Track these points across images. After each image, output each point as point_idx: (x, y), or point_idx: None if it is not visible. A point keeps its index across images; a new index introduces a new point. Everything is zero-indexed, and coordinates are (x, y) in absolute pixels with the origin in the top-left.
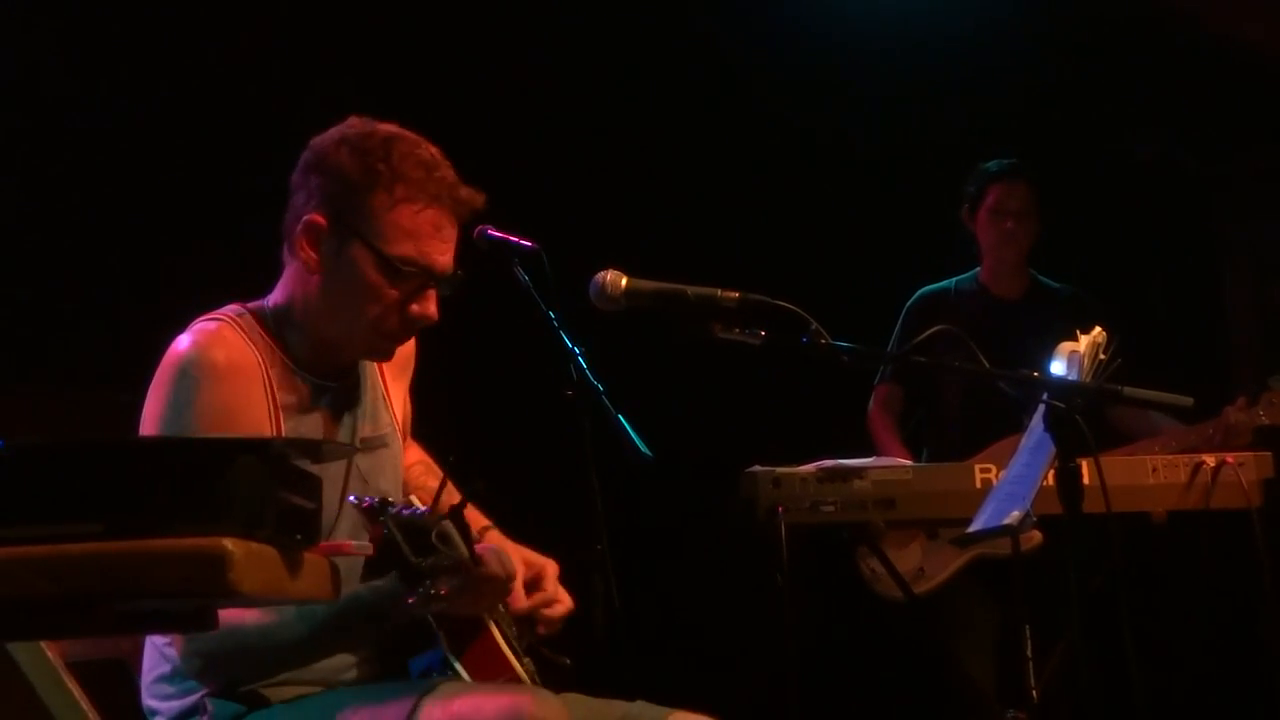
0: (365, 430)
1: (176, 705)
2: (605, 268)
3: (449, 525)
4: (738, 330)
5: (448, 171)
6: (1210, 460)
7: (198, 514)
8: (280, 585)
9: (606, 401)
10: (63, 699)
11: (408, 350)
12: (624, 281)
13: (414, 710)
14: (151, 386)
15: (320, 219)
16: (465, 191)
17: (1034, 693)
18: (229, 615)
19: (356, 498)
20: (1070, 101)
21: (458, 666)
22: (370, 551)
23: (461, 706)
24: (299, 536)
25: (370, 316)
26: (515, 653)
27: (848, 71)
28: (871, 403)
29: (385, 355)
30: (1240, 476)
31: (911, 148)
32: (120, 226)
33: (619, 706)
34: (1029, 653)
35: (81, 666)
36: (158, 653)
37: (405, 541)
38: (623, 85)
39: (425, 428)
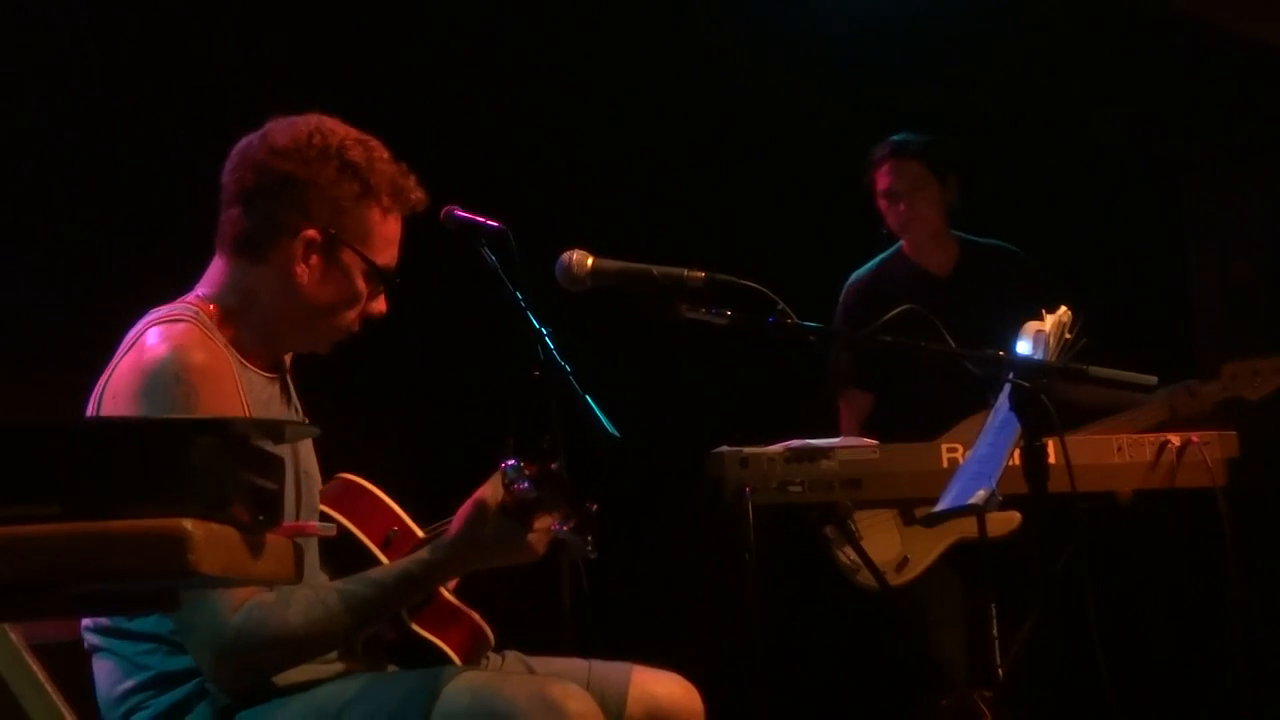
0: (294, 419)
1: (166, 700)
2: (571, 248)
3: None
4: (704, 310)
5: (412, 177)
6: (1176, 439)
7: (157, 495)
8: (242, 567)
9: (574, 382)
10: (26, 680)
11: None
12: (590, 261)
13: (435, 699)
14: (125, 389)
15: (315, 232)
16: (421, 195)
17: (1000, 672)
18: (272, 615)
19: (517, 461)
20: (1036, 83)
21: (421, 631)
22: (333, 533)
23: (488, 696)
24: (261, 518)
25: (347, 321)
26: (465, 604)
27: (813, 52)
28: (842, 412)
29: (327, 351)
30: (1206, 455)
31: (877, 130)
32: (67, 212)
33: (575, 664)
34: (995, 632)
35: (45, 649)
36: (125, 664)
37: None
38: (587, 65)
39: (393, 408)
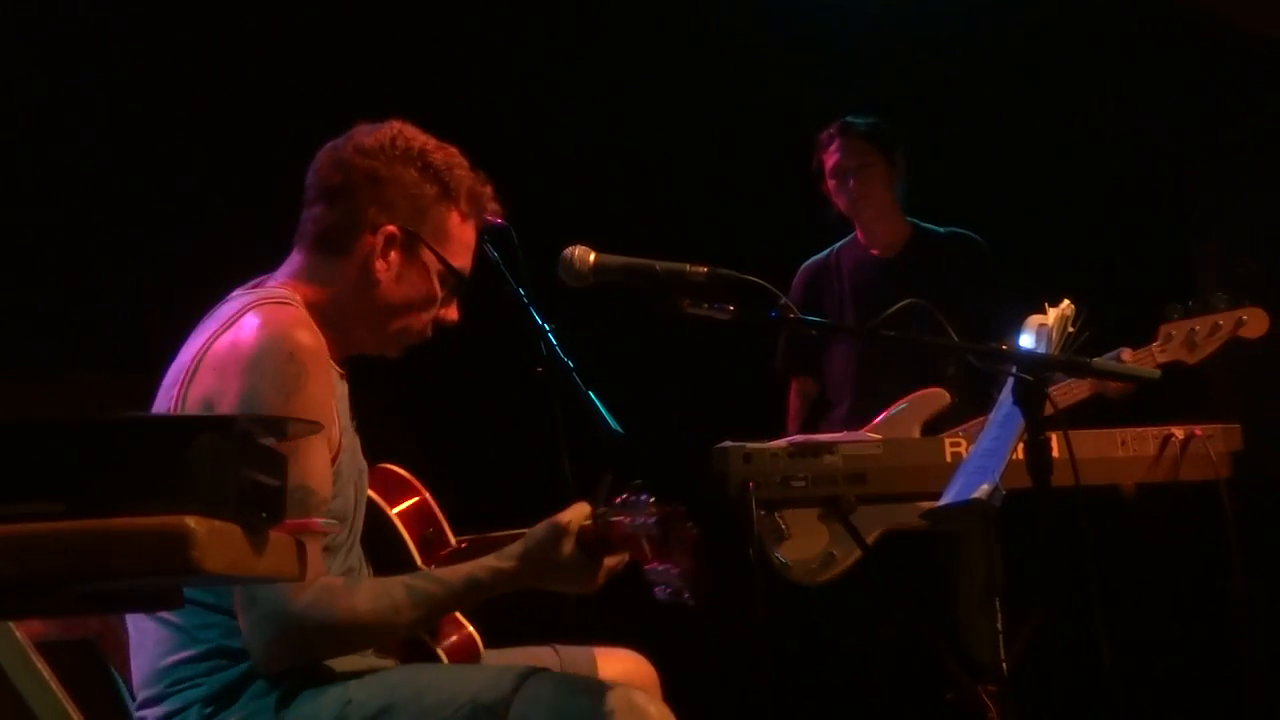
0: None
1: (224, 677)
2: (573, 243)
3: None
4: (707, 305)
5: (491, 186)
6: (1179, 433)
7: (160, 492)
8: (245, 563)
9: (577, 378)
10: (31, 679)
11: None
12: (592, 257)
13: (517, 690)
14: (230, 363)
15: (395, 229)
16: (499, 204)
17: (1003, 665)
18: (340, 601)
19: (648, 495)
20: (1040, 75)
21: (422, 635)
22: (336, 530)
23: (572, 692)
24: (264, 514)
25: (420, 324)
26: (463, 614)
27: (814, 44)
28: (789, 397)
29: (398, 355)
30: (1209, 449)
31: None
32: (83, 213)
33: (543, 651)
34: (999, 625)
35: (51, 647)
36: (180, 635)
37: None
38: (589, 62)
39: (396, 407)
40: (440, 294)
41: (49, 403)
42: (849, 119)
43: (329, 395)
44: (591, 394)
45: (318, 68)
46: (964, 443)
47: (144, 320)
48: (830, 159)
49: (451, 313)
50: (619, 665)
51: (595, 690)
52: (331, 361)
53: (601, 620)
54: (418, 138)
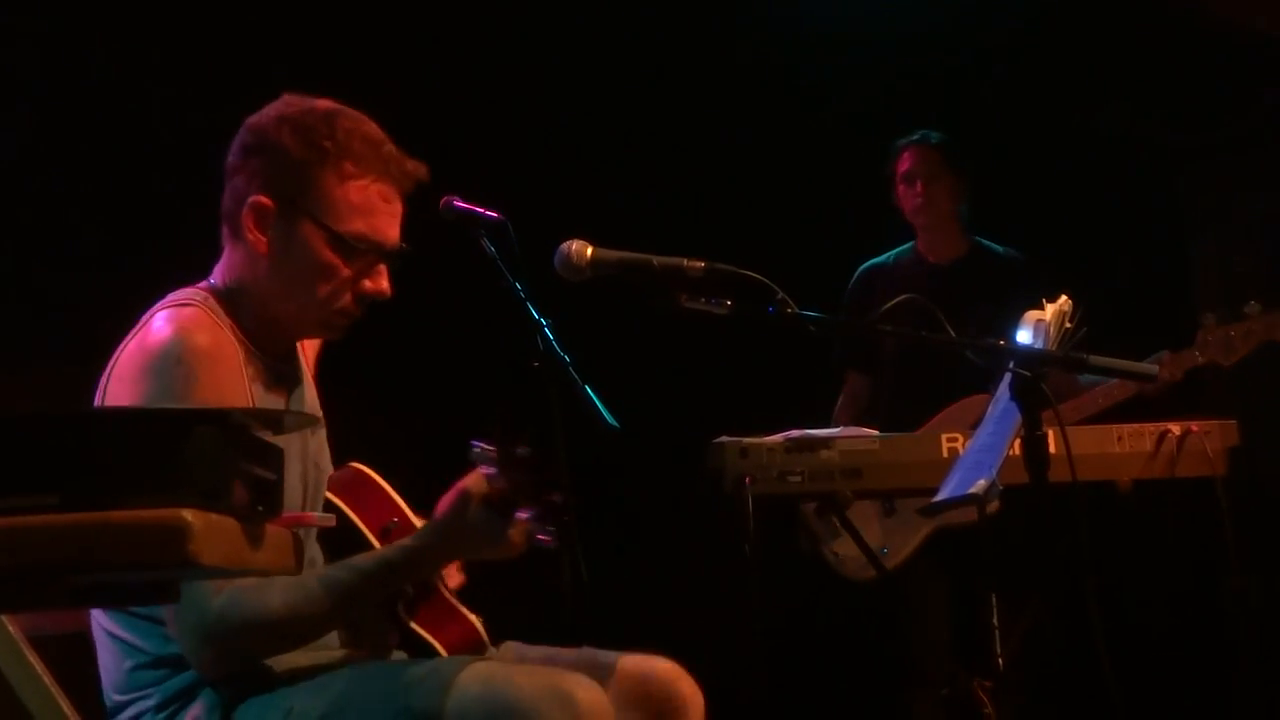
0: (307, 410)
1: (173, 685)
2: (570, 238)
3: None
4: (704, 300)
5: (392, 145)
6: (1176, 429)
7: (156, 485)
8: (241, 557)
9: (573, 373)
10: (24, 672)
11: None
12: (589, 251)
13: (449, 688)
14: (129, 371)
15: (266, 200)
16: (411, 164)
17: (999, 661)
18: (252, 597)
19: (480, 445)
20: (1038, 73)
21: (417, 629)
22: (332, 523)
23: (500, 685)
24: (260, 508)
25: (323, 295)
26: (465, 606)
27: (812, 41)
28: (841, 393)
29: (338, 333)
30: (1206, 445)
31: (877, 119)
32: (66, 205)
33: (566, 653)
34: (995, 621)
35: (44, 640)
36: (126, 647)
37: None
38: (586, 56)
39: (390, 400)
40: (341, 263)
41: (44, 395)
42: (925, 131)
43: (229, 393)
44: (588, 388)
45: (315, 66)
46: (960, 439)
47: (144, 314)
48: (902, 165)
49: (378, 283)
50: (649, 664)
51: (526, 679)
52: (261, 351)
53: (653, 635)
54: (302, 104)
